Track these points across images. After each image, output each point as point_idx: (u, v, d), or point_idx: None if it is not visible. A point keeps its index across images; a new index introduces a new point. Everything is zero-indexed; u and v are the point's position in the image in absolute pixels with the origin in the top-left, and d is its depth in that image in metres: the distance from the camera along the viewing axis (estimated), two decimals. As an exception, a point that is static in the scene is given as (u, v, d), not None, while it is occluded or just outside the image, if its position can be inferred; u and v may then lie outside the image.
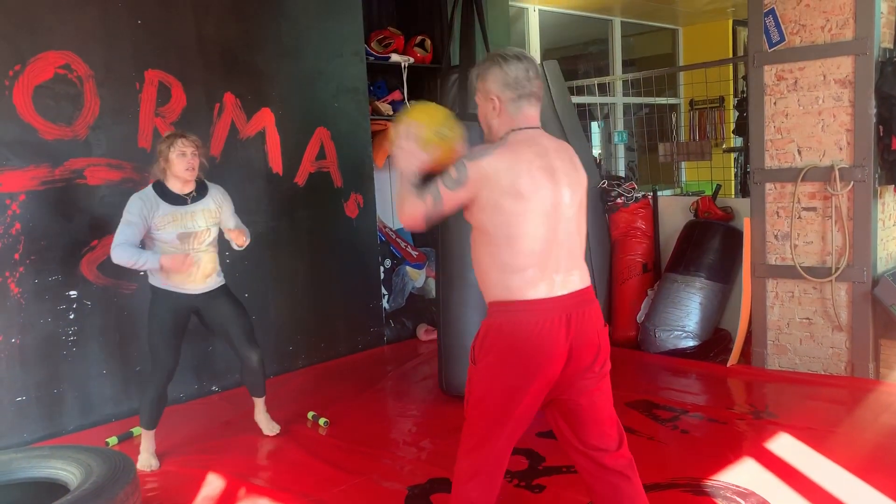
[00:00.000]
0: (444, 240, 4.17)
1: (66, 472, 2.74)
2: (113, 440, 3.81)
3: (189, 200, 3.38)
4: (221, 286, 3.55)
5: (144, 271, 3.47)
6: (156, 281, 3.42)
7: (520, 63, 2.13)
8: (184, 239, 3.36)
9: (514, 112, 2.14)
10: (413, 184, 2.14)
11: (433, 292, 6.09)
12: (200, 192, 3.45)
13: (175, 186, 3.38)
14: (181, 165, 3.32)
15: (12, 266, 3.80)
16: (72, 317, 4.00)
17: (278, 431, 3.76)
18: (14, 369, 3.82)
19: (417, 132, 2.15)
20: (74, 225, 4.00)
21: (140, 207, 3.30)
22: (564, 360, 2.07)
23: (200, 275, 3.42)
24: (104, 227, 4.09)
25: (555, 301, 2.06)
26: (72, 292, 4.00)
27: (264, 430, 3.76)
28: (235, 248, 3.58)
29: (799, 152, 4.31)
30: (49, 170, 3.90)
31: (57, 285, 3.95)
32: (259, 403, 3.79)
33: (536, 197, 2.04)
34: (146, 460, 3.47)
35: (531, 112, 2.16)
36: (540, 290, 2.06)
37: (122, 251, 3.23)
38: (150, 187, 3.40)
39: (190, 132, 4.31)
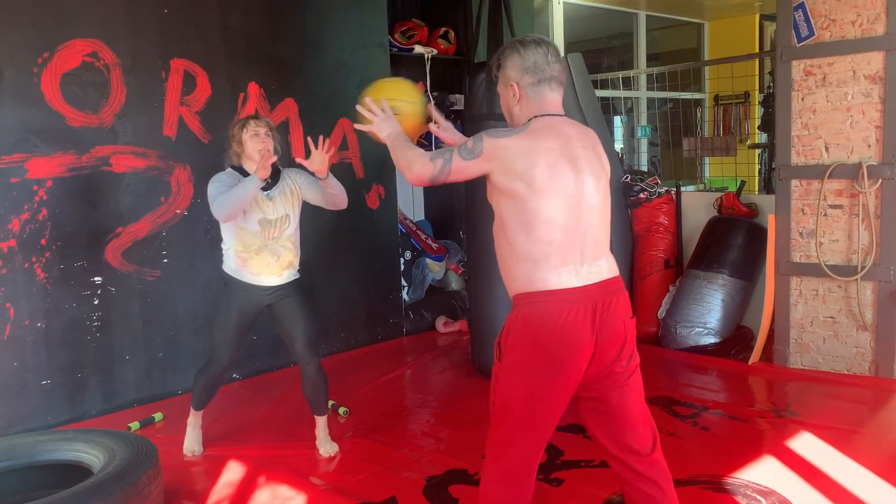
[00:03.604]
0: (470, 219, 4.33)
1: (90, 455, 2.77)
2: (135, 425, 3.86)
3: (267, 186, 3.21)
4: (295, 280, 3.35)
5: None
6: (231, 269, 3.26)
7: (538, 47, 2.09)
8: (264, 226, 3.20)
9: (534, 97, 2.10)
10: (408, 141, 2.23)
11: (453, 284, 6.10)
12: (275, 178, 3.26)
13: (252, 170, 3.16)
14: (255, 146, 3.16)
15: (38, 251, 3.85)
16: (96, 302, 4.05)
17: (336, 453, 3.49)
18: (40, 353, 3.88)
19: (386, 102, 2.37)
20: (100, 211, 4.05)
21: (228, 178, 3.17)
22: (591, 353, 2.01)
23: (278, 266, 3.25)
24: (129, 215, 4.13)
25: (579, 291, 2.01)
26: (96, 278, 4.04)
27: (321, 451, 3.47)
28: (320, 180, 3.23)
29: (826, 149, 4.26)
30: (76, 157, 3.94)
31: (82, 271, 3.99)
32: (320, 422, 3.51)
33: (556, 184, 1.99)
34: (189, 446, 3.50)
35: (553, 97, 2.12)
36: (563, 279, 2.00)
37: (221, 199, 3.04)
38: (227, 168, 3.25)
39: (214, 121, 4.38)
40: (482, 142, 2.03)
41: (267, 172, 3.07)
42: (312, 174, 3.25)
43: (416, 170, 2.13)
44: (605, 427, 2.11)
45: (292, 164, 3.28)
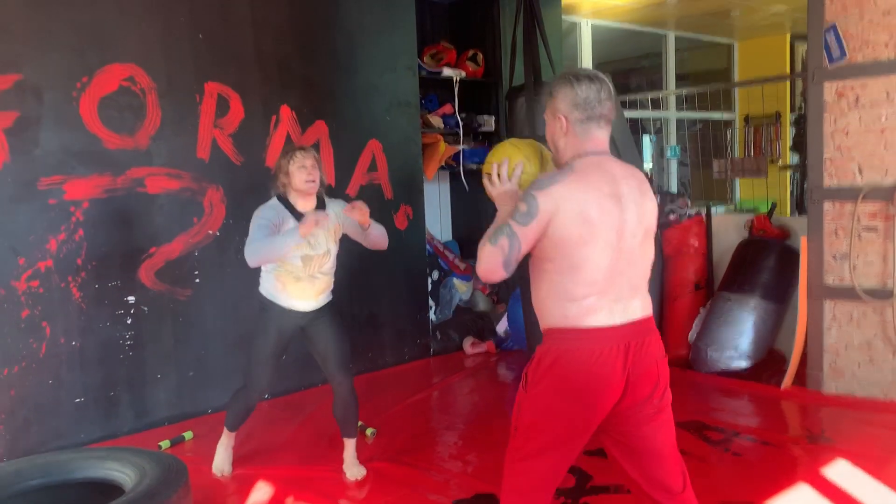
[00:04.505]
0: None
1: (122, 473, 2.80)
2: (165, 444, 3.89)
3: None
4: (329, 303, 3.41)
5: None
6: (268, 293, 3.30)
7: (592, 84, 2.07)
8: (307, 262, 3.22)
9: (581, 134, 2.07)
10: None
11: (480, 305, 6.09)
12: (320, 208, 3.28)
13: (297, 203, 3.23)
14: (301, 177, 3.18)
15: (74, 271, 3.92)
16: (129, 322, 4.11)
17: (363, 477, 3.46)
18: (74, 371, 3.94)
19: (520, 171, 2.15)
20: (134, 232, 4.12)
21: (271, 214, 3.18)
22: (620, 392, 2.01)
23: (314, 292, 3.30)
24: (162, 235, 4.20)
25: (613, 330, 2.00)
26: (130, 298, 4.11)
27: (348, 474, 3.46)
28: (360, 226, 3.29)
29: (860, 171, 4.20)
30: (111, 178, 4.02)
31: (116, 291, 4.06)
32: (349, 445, 3.50)
33: (603, 225, 1.98)
34: (219, 465, 3.52)
35: (600, 135, 2.10)
36: (598, 318, 2.00)
37: (257, 247, 3.07)
38: (274, 199, 3.26)
39: (246, 144, 4.46)
40: (535, 199, 1.96)
41: (309, 231, 3.05)
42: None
43: (483, 260, 2.00)
44: (636, 463, 2.10)
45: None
